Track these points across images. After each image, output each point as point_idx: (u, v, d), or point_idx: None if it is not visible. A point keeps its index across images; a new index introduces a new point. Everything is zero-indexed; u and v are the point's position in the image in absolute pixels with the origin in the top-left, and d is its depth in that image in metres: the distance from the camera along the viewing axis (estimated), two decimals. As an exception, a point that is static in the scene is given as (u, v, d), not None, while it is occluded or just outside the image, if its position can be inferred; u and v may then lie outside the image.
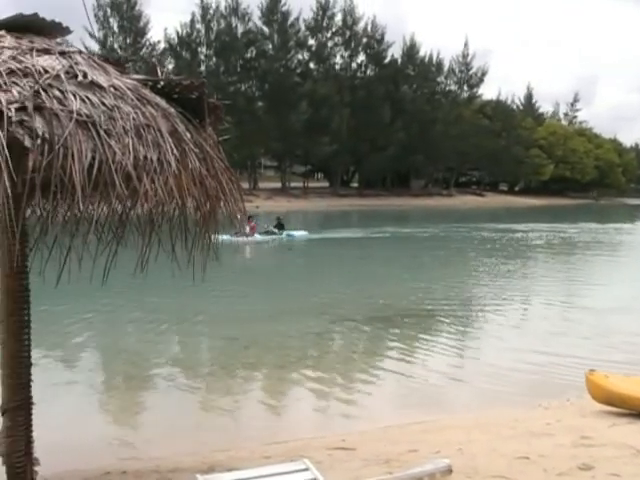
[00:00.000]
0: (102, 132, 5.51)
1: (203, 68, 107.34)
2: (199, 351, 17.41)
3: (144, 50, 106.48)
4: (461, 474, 7.22)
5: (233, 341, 16.94)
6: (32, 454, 7.17)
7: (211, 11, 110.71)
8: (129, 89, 6.27)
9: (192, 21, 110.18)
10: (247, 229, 31.08)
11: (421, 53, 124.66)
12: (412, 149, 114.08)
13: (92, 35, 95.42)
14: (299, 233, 46.32)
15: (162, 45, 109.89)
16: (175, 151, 5.96)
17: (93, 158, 5.33)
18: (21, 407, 6.99)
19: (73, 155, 5.20)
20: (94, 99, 5.81)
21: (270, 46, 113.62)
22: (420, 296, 24.31)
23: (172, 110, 6.51)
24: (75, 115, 5.46)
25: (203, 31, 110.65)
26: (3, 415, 7.06)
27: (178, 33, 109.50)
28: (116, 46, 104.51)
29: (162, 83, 6.97)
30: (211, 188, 6.46)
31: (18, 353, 6.90)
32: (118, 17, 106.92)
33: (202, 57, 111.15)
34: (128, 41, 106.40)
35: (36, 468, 7.23)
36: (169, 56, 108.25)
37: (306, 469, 5.62)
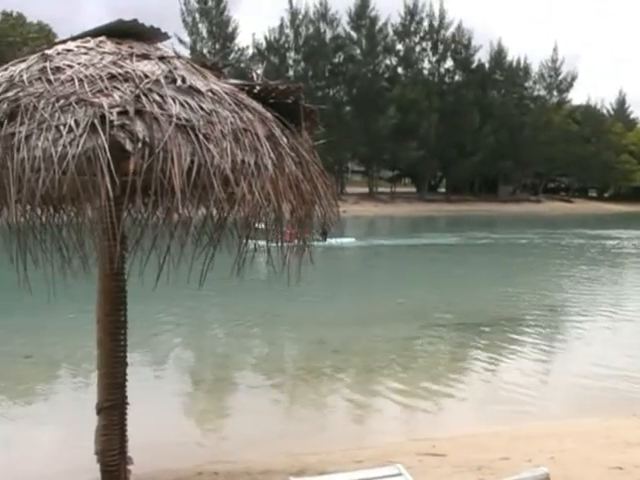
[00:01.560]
0: (201, 136, 5.57)
1: (291, 73, 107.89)
2: (287, 354, 17.49)
3: (233, 55, 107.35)
4: (555, 484, 7.10)
5: (321, 345, 16.97)
6: (126, 453, 7.27)
7: (300, 16, 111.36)
8: (226, 94, 6.32)
9: (281, 26, 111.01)
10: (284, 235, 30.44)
11: (508, 58, 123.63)
12: (500, 154, 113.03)
13: (181, 41, 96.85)
14: (346, 240, 46.31)
15: (250, 50, 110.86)
16: (272, 155, 6.00)
17: (192, 162, 5.39)
18: (116, 406, 7.10)
19: (173, 158, 5.27)
20: (193, 103, 5.88)
21: (358, 51, 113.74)
22: (507, 302, 24.07)
23: (268, 115, 6.55)
24: (175, 119, 5.53)
25: (292, 36, 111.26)
26: (98, 414, 7.18)
27: (266, 38, 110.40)
28: (205, 51, 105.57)
29: (258, 88, 7.02)
30: (306, 192, 6.48)
31: (114, 353, 7.01)
32: (207, 22, 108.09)
33: (290, 62, 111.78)
34: (217, 46, 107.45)
35: (129, 467, 7.33)
36: (257, 61, 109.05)
37: (399, 474, 5.60)
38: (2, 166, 5.27)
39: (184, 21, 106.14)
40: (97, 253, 7.04)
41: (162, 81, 5.95)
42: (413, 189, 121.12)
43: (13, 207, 5.31)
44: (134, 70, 6.02)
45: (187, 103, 5.84)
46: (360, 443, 10.37)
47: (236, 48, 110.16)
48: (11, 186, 5.18)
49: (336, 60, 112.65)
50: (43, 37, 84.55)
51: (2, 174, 5.25)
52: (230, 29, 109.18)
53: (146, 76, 5.94)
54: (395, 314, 21.37)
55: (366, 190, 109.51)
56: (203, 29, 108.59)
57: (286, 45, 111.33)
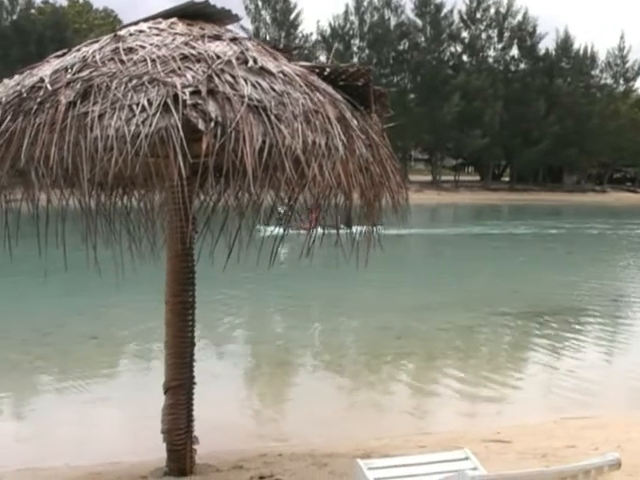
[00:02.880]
0: (272, 117, 5.58)
1: (355, 60, 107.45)
2: (350, 339, 17.51)
3: (297, 42, 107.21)
4: (622, 472, 6.99)
5: (385, 331, 16.93)
6: (192, 432, 7.33)
7: (364, 3, 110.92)
8: (297, 75, 6.32)
9: (345, 13, 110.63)
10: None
11: (575, 46, 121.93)
12: (566, 143, 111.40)
13: (244, 28, 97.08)
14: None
15: (314, 37, 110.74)
16: (342, 137, 5.99)
17: (264, 142, 5.41)
18: (183, 386, 7.15)
19: (245, 138, 5.29)
20: (264, 84, 5.89)
21: (423, 38, 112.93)
22: (573, 292, 23.76)
23: (339, 97, 6.54)
24: (247, 100, 5.55)
25: (356, 23, 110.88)
26: (165, 393, 7.24)
27: (331, 25, 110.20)
28: (268, 38, 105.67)
29: (328, 70, 7.00)
30: (376, 175, 6.47)
31: (182, 333, 7.06)
32: (270, 9, 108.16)
33: (355, 49, 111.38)
34: (281, 33, 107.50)
35: (195, 446, 7.39)
36: (322, 48, 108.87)
37: (466, 458, 5.56)
38: (75, 145, 5.32)
39: (246, 8, 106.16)
40: (166, 234, 7.09)
41: (234, 62, 5.97)
42: (477, 178, 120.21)
43: (86, 186, 5.37)
44: (206, 51, 6.05)
45: (259, 84, 5.85)
46: (423, 429, 10.35)
47: (300, 35, 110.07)
48: (84, 165, 5.24)
49: (401, 47, 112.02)
50: (109, 24, 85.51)
51: (75, 153, 5.30)
52: (293, 15, 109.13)
53: (218, 57, 5.97)
54: (459, 301, 21.21)
55: (429, 178, 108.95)
56: (266, 16, 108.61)
57: (351, 32, 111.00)
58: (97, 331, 16.34)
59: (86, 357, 14.45)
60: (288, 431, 10.40)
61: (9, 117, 5.74)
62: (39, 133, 5.49)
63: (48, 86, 5.78)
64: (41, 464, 8.73)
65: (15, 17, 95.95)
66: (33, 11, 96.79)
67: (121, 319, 18.04)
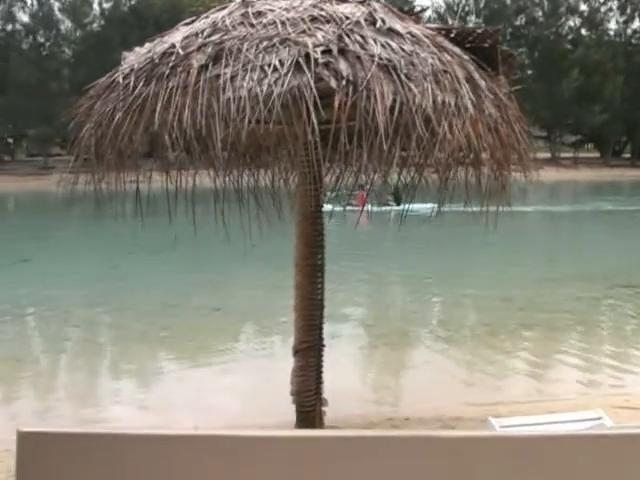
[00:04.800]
0: (402, 76, 5.58)
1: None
2: (472, 310, 17.40)
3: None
4: None
5: (507, 302, 16.79)
6: (321, 394, 7.41)
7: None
8: (425, 37, 6.30)
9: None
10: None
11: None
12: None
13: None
14: (422, 206, 41.74)
15: (429, 13, 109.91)
16: (471, 96, 5.95)
17: (394, 100, 5.41)
18: (312, 348, 7.23)
19: (376, 97, 5.30)
20: (393, 44, 5.89)
21: (540, 13, 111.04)
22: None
23: (466, 57, 6.49)
24: (377, 59, 5.55)
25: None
26: (295, 355, 7.33)
27: (446, 1, 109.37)
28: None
29: (455, 32, 6.96)
30: (505, 135, 6.41)
31: (311, 295, 7.12)
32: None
33: (471, 25, 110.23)
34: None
35: (324, 408, 7.47)
36: (437, 24, 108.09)
37: (599, 418, 5.49)
38: (208, 107, 5.41)
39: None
40: (295, 197, 7.16)
41: (363, 23, 5.99)
42: (596, 154, 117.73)
43: (219, 147, 5.45)
44: (335, 12, 6.07)
45: (388, 44, 5.86)
46: (549, 397, 10.26)
47: (415, 10, 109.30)
48: (217, 126, 5.32)
49: (517, 23, 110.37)
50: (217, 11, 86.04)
51: (208, 115, 5.39)
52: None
53: (347, 18, 5.99)
54: (582, 274, 20.78)
55: (548, 155, 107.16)
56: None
57: (466, 8, 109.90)
58: (220, 303, 16.63)
59: (210, 327, 14.71)
60: (410, 398, 10.45)
61: (142, 83, 5.87)
62: (172, 97, 5.60)
63: (180, 51, 5.89)
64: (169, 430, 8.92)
65: (133, 2, 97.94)
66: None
67: (244, 291, 18.31)
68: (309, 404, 7.31)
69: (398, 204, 40.47)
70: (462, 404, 9.68)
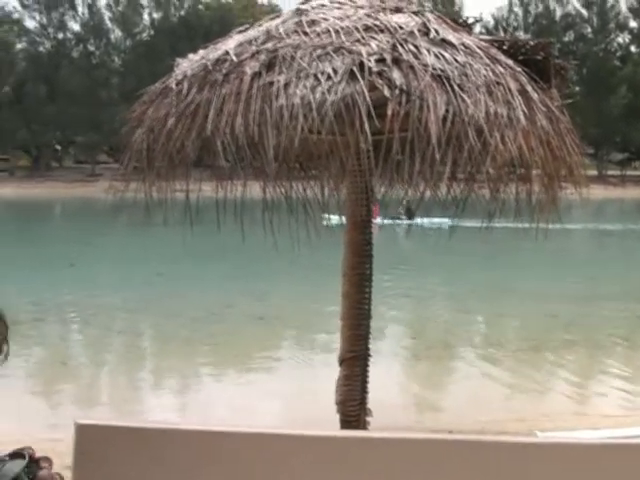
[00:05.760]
0: (455, 86, 5.56)
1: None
2: (517, 325, 17.33)
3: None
4: None
5: (552, 318, 16.71)
6: (366, 404, 7.36)
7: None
8: (479, 48, 6.28)
9: (510, 4, 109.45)
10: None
11: None
12: None
13: (422, 3, 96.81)
14: (438, 220, 39.96)
15: (478, 29, 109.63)
16: (524, 108, 5.92)
17: (447, 111, 5.39)
18: (358, 357, 7.19)
19: (429, 106, 5.29)
20: (447, 55, 5.87)
21: (589, 29, 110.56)
22: None
23: (519, 69, 6.47)
24: (430, 69, 5.55)
25: (521, 14, 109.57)
26: (341, 365, 7.30)
27: (494, 17, 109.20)
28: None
29: (507, 44, 6.94)
30: (556, 148, 6.36)
31: (358, 305, 7.10)
32: (431, 0, 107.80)
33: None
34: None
35: (368, 418, 7.44)
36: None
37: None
38: (261, 114, 5.43)
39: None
40: (345, 207, 7.15)
41: (416, 33, 5.98)
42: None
43: (271, 155, 5.46)
44: (389, 22, 6.07)
45: (441, 54, 5.84)
46: (594, 412, 10.21)
47: (468, 22, 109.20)
48: (269, 133, 5.34)
49: (566, 39, 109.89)
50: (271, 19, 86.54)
51: (260, 122, 5.41)
52: (456, 8, 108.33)
53: (401, 27, 5.98)
54: (628, 294, 20.53)
55: (595, 173, 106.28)
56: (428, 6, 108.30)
57: (515, 24, 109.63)
58: (264, 312, 16.71)
59: (253, 335, 14.81)
60: (453, 411, 10.43)
61: (195, 89, 5.90)
62: (225, 103, 5.62)
63: (233, 58, 5.91)
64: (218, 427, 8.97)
65: (183, 13, 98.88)
66: (200, 7, 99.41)
67: (289, 300, 18.38)
68: (353, 414, 7.28)
69: (410, 218, 39.85)
70: (506, 418, 9.63)
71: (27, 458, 1.29)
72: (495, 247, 21.53)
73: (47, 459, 1.33)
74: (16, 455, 1.29)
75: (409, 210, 41.14)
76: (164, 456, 2.68)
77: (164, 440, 2.73)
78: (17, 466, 1.27)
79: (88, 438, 2.58)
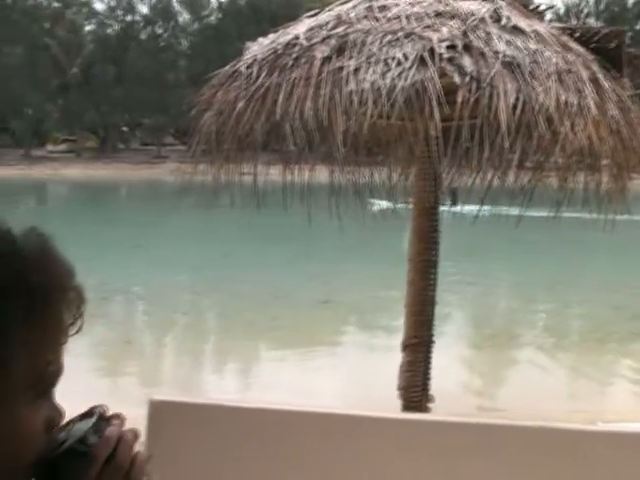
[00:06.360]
0: (526, 74, 5.54)
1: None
2: (581, 316, 17.16)
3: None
4: None
5: (617, 310, 16.51)
6: (428, 390, 7.37)
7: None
8: (550, 35, 6.24)
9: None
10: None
11: None
12: None
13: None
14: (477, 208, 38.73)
15: (548, 16, 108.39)
16: (595, 97, 5.87)
17: (517, 99, 5.37)
18: (422, 344, 7.19)
19: (499, 94, 5.28)
20: (518, 42, 5.84)
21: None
22: None
23: (591, 57, 6.41)
24: (501, 56, 5.53)
25: (592, 1, 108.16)
26: (404, 351, 7.31)
27: (565, 4, 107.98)
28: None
29: (579, 32, 6.88)
30: (627, 138, 6.30)
31: (423, 292, 7.09)
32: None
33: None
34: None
35: (430, 405, 7.45)
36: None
37: None
38: (330, 99, 5.45)
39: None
40: (411, 192, 7.15)
41: (487, 19, 5.95)
42: None
43: (340, 139, 5.50)
44: (459, 8, 6.05)
45: (512, 42, 5.81)
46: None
47: (540, 9, 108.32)
48: (338, 118, 5.37)
49: (639, 27, 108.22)
50: (342, 4, 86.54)
51: (330, 107, 5.44)
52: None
53: (472, 14, 5.96)
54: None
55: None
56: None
57: (586, 10, 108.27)
58: (329, 295, 16.76)
59: (317, 319, 14.86)
60: (515, 400, 10.36)
61: (265, 73, 5.94)
62: (294, 88, 5.66)
63: (303, 42, 5.94)
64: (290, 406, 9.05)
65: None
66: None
67: (353, 285, 18.39)
68: (416, 399, 7.28)
69: (454, 204, 38.77)
70: (568, 409, 9.57)
71: (96, 416, 1.30)
72: (562, 237, 21.29)
73: (118, 416, 1.34)
74: (86, 415, 1.31)
75: (454, 195, 40.12)
76: (236, 433, 2.73)
77: (236, 417, 2.78)
78: (85, 425, 1.29)
79: (161, 414, 2.64)
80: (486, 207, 6.79)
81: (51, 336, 1.24)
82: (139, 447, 1.29)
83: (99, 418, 1.29)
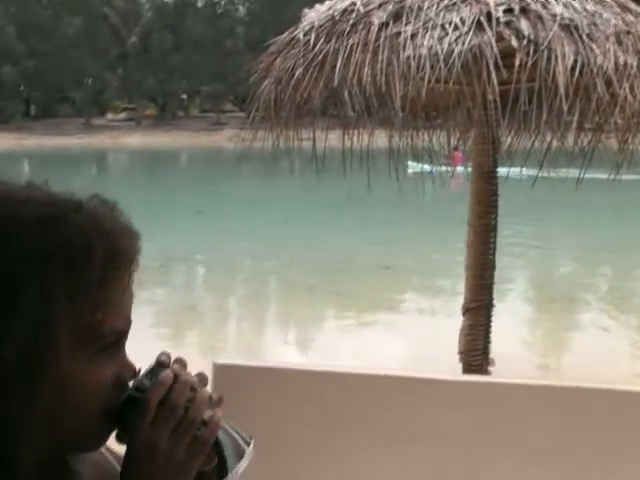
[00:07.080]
0: (584, 36, 5.50)
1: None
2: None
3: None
4: None
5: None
6: (488, 354, 7.40)
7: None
8: (609, -4, 6.19)
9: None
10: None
11: None
12: None
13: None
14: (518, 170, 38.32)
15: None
16: (655, 58, 5.82)
17: (575, 61, 5.35)
18: (483, 307, 7.22)
19: (557, 57, 5.26)
20: (575, 4, 5.80)
21: None
22: None
23: (650, 17, 6.34)
24: (558, 18, 5.50)
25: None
26: (464, 314, 7.35)
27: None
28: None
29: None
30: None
31: (483, 255, 7.11)
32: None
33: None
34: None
35: (491, 368, 7.47)
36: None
37: None
38: (388, 64, 5.48)
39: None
40: (471, 157, 7.16)
41: (545, -19, 5.92)
42: None
43: (398, 105, 5.53)
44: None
45: (570, 4, 5.77)
46: None
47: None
48: (396, 83, 5.40)
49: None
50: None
51: (388, 72, 5.47)
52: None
53: (529, -24, 5.93)
54: None
55: None
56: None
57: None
58: (391, 261, 16.78)
59: (379, 284, 14.91)
60: (576, 365, 10.29)
61: (322, 39, 5.97)
62: (352, 54, 5.68)
63: (360, 8, 5.96)
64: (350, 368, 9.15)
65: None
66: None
67: (415, 250, 18.38)
68: (476, 363, 7.32)
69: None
70: (632, 374, 9.52)
71: (154, 363, 1.36)
72: (623, 199, 21.05)
73: (180, 360, 1.40)
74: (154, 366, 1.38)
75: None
76: (299, 396, 2.81)
77: (299, 380, 2.85)
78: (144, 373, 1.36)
79: (225, 377, 2.72)
80: (545, 170, 6.77)
81: (113, 298, 1.30)
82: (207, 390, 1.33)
83: (157, 364, 1.36)
